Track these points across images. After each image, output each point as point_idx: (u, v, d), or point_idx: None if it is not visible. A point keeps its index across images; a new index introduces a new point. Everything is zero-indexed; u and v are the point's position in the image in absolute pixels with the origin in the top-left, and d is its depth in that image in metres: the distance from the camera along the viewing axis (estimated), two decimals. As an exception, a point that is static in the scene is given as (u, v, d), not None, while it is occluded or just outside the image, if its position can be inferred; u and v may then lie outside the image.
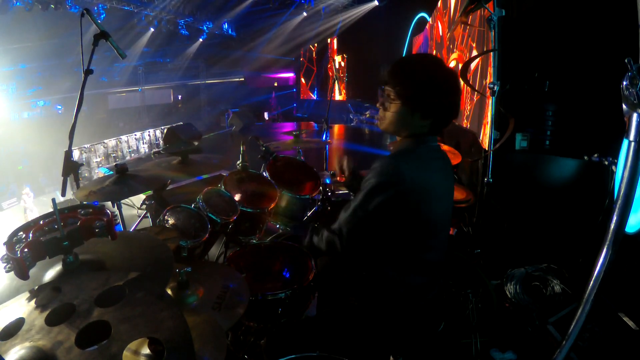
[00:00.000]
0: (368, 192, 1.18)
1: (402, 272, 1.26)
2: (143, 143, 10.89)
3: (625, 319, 1.76)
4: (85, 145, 8.81)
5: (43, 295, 0.73)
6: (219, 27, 13.90)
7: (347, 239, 1.24)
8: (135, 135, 10.75)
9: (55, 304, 0.70)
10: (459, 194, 2.55)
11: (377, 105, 1.30)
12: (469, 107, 4.20)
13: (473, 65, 3.87)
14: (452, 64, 5.06)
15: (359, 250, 1.30)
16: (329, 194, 2.24)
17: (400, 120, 1.23)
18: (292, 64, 17.82)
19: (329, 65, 15.21)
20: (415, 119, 1.21)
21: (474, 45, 3.88)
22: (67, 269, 0.89)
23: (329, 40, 15.15)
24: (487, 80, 3.15)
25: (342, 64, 14.44)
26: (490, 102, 2.52)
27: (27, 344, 0.62)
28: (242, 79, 17.74)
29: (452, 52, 5.06)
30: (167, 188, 2.20)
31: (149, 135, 11.12)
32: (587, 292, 0.77)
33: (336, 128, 11.93)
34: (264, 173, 2.09)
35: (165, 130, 10.12)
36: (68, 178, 1.73)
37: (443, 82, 1.20)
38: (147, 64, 15.31)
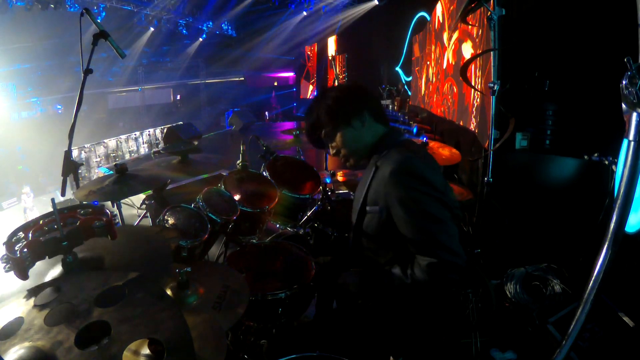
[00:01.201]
0: (422, 197, 1.12)
1: None
2: (143, 143, 10.89)
3: (625, 318, 1.76)
4: (85, 145, 8.80)
5: (42, 295, 0.73)
6: (219, 26, 13.90)
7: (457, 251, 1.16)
8: (135, 135, 10.75)
9: (54, 303, 0.70)
10: (459, 194, 2.55)
11: (332, 155, 1.35)
12: (477, 103, 4.17)
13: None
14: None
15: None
16: (329, 193, 2.24)
17: (353, 139, 1.28)
18: (292, 63, 17.82)
19: (328, 65, 15.20)
20: (358, 127, 1.26)
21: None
22: (66, 269, 0.89)
23: (328, 40, 15.14)
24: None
25: (341, 63, 14.43)
26: (490, 102, 2.52)
27: (26, 343, 0.62)
28: (242, 79, 17.73)
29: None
30: (167, 188, 2.20)
31: (148, 135, 11.12)
32: (587, 291, 0.77)
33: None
34: (264, 173, 2.09)
35: (165, 130, 10.13)
36: (68, 178, 1.72)
37: (333, 90, 1.31)
38: (147, 64, 15.31)
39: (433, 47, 6.68)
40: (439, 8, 6.10)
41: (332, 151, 1.32)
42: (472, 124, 4.23)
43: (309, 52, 16.54)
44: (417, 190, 1.12)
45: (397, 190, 1.13)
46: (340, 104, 1.26)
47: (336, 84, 3.51)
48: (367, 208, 1.25)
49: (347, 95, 1.28)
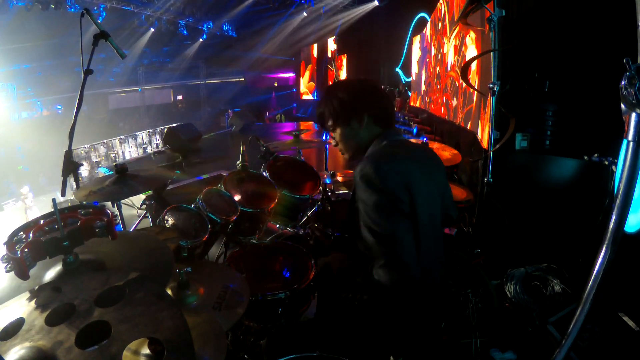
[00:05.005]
0: (376, 208, 1.14)
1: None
2: (142, 143, 10.89)
3: (625, 318, 1.76)
4: (85, 145, 8.81)
5: (43, 295, 0.73)
6: (219, 27, 13.91)
7: (410, 255, 1.14)
8: (135, 135, 10.76)
9: (55, 304, 0.70)
10: (459, 194, 2.55)
11: (333, 145, 1.44)
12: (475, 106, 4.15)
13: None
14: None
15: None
16: (329, 193, 2.24)
17: (348, 137, 1.36)
18: (292, 63, 17.83)
19: (328, 65, 15.21)
20: (355, 126, 1.32)
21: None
22: (67, 269, 0.89)
23: (328, 40, 15.15)
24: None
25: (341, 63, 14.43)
26: (490, 102, 2.52)
27: (27, 344, 0.62)
28: (242, 79, 17.74)
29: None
30: (167, 188, 2.20)
31: (148, 135, 11.12)
32: (587, 292, 0.77)
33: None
34: (264, 173, 2.09)
35: (165, 130, 10.14)
36: (68, 178, 1.73)
37: (343, 87, 1.37)
38: (147, 64, 15.33)
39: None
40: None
41: (332, 142, 1.43)
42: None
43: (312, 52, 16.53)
44: (370, 194, 1.15)
45: (358, 192, 1.19)
46: (343, 106, 1.34)
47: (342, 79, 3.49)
48: (356, 204, 1.27)
49: (351, 98, 1.34)
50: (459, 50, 4.81)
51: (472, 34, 4.09)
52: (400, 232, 1.14)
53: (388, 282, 1.14)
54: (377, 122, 1.34)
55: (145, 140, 10.99)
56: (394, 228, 1.14)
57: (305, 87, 17.26)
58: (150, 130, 11.27)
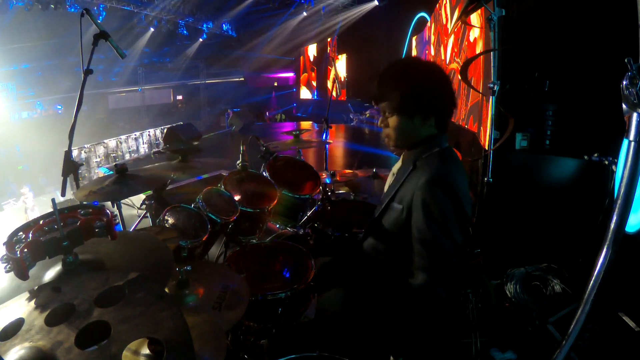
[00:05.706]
0: (448, 212, 1.09)
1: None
2: (143, 143, 10.89)
3: (626, 318, 1.76)
4: (85, 145, 8.80)
5: (43, 295, 0.73)
6: (219, 27, 13.91)
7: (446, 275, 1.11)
8: (135, 135, 10.75)
9: (55, 304, 0.70)
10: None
11: (379, 124, 1.29)
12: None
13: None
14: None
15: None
16: (329, 193, 2.24)
17: (404, 131, 1.22)
18: (292, 63, 17.83)
19: (328, 66, 15.21)
20: (417, 123, 1.21)
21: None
22: (67, 269, 0.89)
23: (329, 40, 15.14)
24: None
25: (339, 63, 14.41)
26: (490, 102, 2.52)
27: (26, 344, 0.62)
28: (242, 79, 17.75)
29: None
30: (167, 188, 2.20)
31: (149, 135, 11.12)
32: (587, 292, 0.77)
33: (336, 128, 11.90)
34: (264, 173, 2.09)
35: (165, 130, 10.14)
36: (68, 178, 1.72)
37: (426, 77, 1.21)
38: (147, 64, 15.33)
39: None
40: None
41: (380, 123, 1.28)
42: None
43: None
44: (446, 205, 1.10)
45: (426, 198, 1.11)
46: (416, 97, 1.18)
47: (336, 85, 3.45)
48: (392, 204, 1.22)
49: (428, 92, 1.18)
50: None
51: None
52: (459, 241, 1.11)
53: (427, 288, 1.11)
54: (437, 125, 1.22)
55: (145, 140, 10.99)
56: (459, 235, 1.11)
57: (301, 81, 17.32)
58: (150, 130, 11.27)
